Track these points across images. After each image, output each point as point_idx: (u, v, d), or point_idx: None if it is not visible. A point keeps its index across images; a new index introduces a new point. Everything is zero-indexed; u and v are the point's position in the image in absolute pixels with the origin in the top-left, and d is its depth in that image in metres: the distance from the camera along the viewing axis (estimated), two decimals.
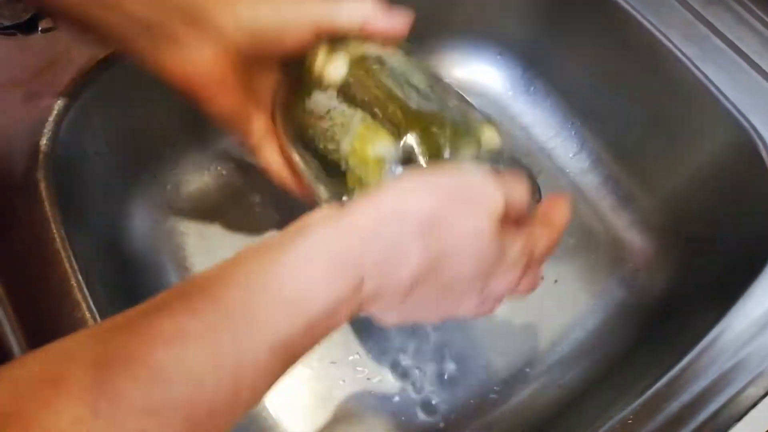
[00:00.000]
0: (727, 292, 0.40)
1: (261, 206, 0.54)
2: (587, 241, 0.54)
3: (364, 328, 0.49)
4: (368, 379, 0.47)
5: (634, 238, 0.54)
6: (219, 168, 0.54)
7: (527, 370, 0.48)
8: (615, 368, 0.46)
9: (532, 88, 0.59)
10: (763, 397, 0.34)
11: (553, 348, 0.49)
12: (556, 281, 0.52)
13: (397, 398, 0.47)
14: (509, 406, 0.47)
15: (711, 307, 0.41)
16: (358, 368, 0.48)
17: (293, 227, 0.25)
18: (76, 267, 0.36)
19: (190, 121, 0.51)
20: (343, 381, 0.47)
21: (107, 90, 0.43)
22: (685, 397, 0.35)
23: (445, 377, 0.48)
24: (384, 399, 0.47)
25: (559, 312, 0.51)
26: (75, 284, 0.35)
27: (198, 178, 0.53)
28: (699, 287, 0.48)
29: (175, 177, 0.52)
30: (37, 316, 0.34)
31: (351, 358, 0.48)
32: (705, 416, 0.34)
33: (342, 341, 0.48)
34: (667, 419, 0.34)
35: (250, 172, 0.55)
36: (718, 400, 0.35)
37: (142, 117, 0.47)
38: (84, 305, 0.35)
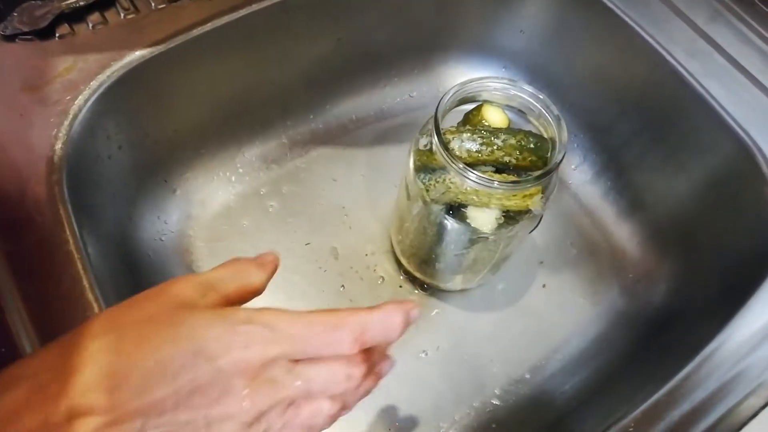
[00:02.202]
0: (728, 302, 0.41)
1: (270, 211, 0.54)
2: (589, 251, 0.55)
3: None
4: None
5: (635, 248, 0.55)
6: (228, 174, 0.55)
7: (527, 376, 0.49)
8: (616, 377, 0.47)
9: None
10: (764, 407, 0.35)
11: (554, 356, 0.50)
12: (544, 286, 0.53)
13: (398, 402, 0.47)
14: (510, 412, 0.48)
15: (711, 318, 0.42)
16: None
17: None
18: (88, 268, 0.36)
19: (202, 127, 0.52)
20: None
21: (121, 95, 0.44)
22: (686, 406, 0.35)
23: (448, 382, 0.48)
24: (386, 403, 0.47)
25: (560, 320, 0.52)
26: (87, 285, 0.36)
27: (207, 183, 0.54)
28: (699, 298, 0.48)
29: (185, 182, 0.53)
30: (50, 316, 0.35)
31: None
32: (705, 426, 0.35)
33: None
34: (667, 428, 0.35)
35: (259, 178, 0.56)
36: (719, 410, 0.35)
37: (154, 122, 0.48)
38: (96, 306, 0.35)
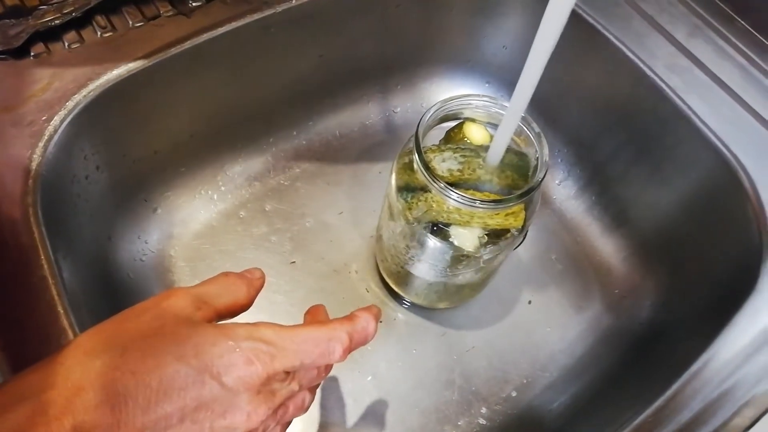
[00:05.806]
0: (713, 319, 0.41)
1: (253, 230, 0.54)
2: (574, 266, 0.55)
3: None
4: (354, 400, 0.47)
5: (621, 264, 0.55)
6: (210, 192, 0.54)
7: (514, 394, 0.49)
8: (603, 394, 0.46)
9: None
10: (749, 428, 0.35)
11: (542, 373, 0.50)
12: (530, 302, 0.53)
13: (382, 421, 0.47)
14: (497, 430, 0.47)
15: (696, 334, 0.42)
16: (347, 392, 0.47)
17: None
18: (63, 293, 0.35)
19: (183, 145, 0.51)
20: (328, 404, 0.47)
21: (98, 115, 0.43)
22: (671, 426, 0.35)
23: (434, 400, 0.48)
24: (369, 422, 0.47)
25: (546, 337, 0.51)
26: (62, 310, 0.35)
27: (189, 202, 0.53)
28: (684, 314, 0.48)
29: (166, 201, 0.52)
30: (23, 342, 0.34)
31: (332, 379, 0.48)
32: None
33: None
34: None
35: (241, 196, 0.55)
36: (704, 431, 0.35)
37: (133, 141, 0.48)
38: (70, 332, 0.34)
